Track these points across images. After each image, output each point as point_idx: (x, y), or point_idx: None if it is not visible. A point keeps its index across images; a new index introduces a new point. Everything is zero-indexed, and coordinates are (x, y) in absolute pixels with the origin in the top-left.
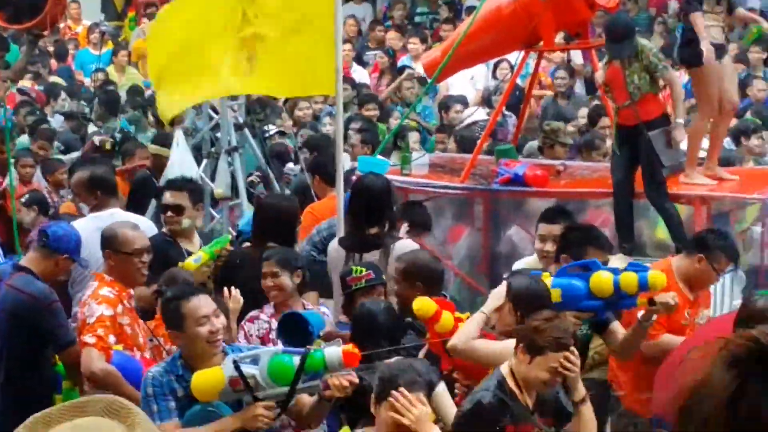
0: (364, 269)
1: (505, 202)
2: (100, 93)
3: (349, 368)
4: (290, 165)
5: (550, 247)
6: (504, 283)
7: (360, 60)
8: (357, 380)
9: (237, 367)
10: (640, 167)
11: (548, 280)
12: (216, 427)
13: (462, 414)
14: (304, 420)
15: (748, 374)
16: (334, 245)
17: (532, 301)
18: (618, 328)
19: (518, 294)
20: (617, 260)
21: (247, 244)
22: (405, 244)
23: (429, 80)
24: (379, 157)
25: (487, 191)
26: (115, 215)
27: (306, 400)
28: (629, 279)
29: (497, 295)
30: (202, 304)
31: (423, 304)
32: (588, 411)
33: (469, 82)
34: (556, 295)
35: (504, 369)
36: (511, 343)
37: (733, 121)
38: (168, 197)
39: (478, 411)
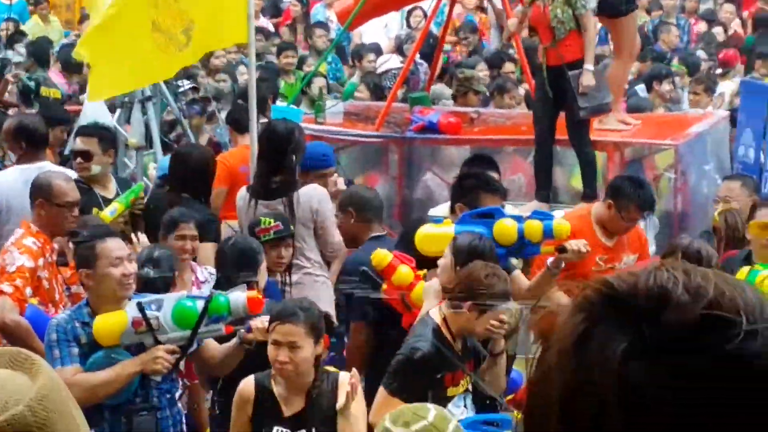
0: (272, 220)
1: (419, 150)
2: (29, 43)
3: (253, 312)
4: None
5: None
6: (434, 280)
7: (276, 8)
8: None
9: (141, 309)
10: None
11: (450, 227)
12: (116, 370)
13: (400, 363)
14: (216, 367)
15: (596, 318)
16: (242, 193)
17: (472, 258)
18: (520, 276)
19: (460, 250)
20: (534, 207)
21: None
22: (310, 189)
23: (342, 28)
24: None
25: (401, 139)
26: (43, 169)
27: (218, 346)
28: (533, 227)
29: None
30: (117, 246)
31: (377, 256)
32: (502, 361)
33: (382, 30)
34: None
35: (436, 317)
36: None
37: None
38: (78, 143)
39: (419, 360)
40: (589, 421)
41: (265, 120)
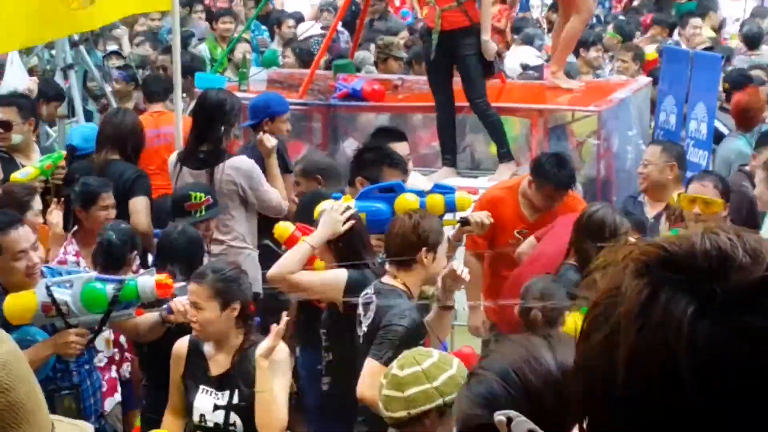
0: (202, 195)
1: (343, 117)
2: None
3: (162, 297)
4: None
5: None
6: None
7: None
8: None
9: (50, 294)
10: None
11: (351, 201)
12: (29, 354)
13: (396, 334)
14: (139, 337)
15: (659, 281)
16: (172, 158)
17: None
18: None
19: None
20: (443, 173)
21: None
22: (237, 162)
23: None
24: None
25: (325, 106)
26: None
27: (140, 319)
28: (435, 201)
29: (328, 224)
30: (21, 238)
31: (279, 228)
32: (449, 314)
33: None
34: (362, 218)
35: (399, 285)
36: (332, 274)
37: None
38: None
39: (412, 330)
40: (658, 382)
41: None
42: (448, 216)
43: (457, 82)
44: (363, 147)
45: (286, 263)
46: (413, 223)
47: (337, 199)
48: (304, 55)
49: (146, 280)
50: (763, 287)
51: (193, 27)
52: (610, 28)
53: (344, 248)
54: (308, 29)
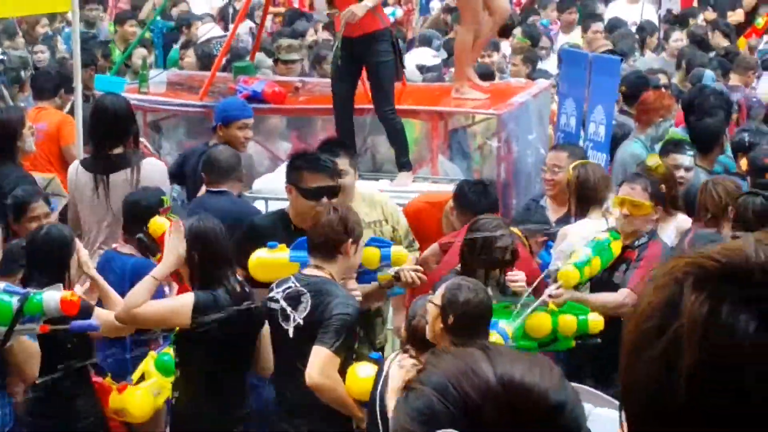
0: (167, 199)
1: None
2: None
3: (67, 314)
4: None
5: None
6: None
7: None
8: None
9: None
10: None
11: (285, 252)
12: None
13: (345, 323)
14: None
15: (719, 295)
16: (75, 167)
17: None
18: None
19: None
20: None
21: None
22: (151, 164)
23: None
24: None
25: None
26: None
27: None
28: (371, 254)
29: (170, 251)
30: None
31: (154, 223)
32: None
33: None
34: (295, 269)
35: (327, 275)
36: (179, 300)
37: None
38: None
39: (356, 318)
40: (723, 397)
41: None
42: (386, 270)
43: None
44: (294, 154)
45: (132, 299)
46: (339, 216)
47: (272, 248)
48: (205, 57)
49: (51, 296)
50: None
51: (97, 29)
52: (518, 32)
53: (200, 267)
54: (209, 31)
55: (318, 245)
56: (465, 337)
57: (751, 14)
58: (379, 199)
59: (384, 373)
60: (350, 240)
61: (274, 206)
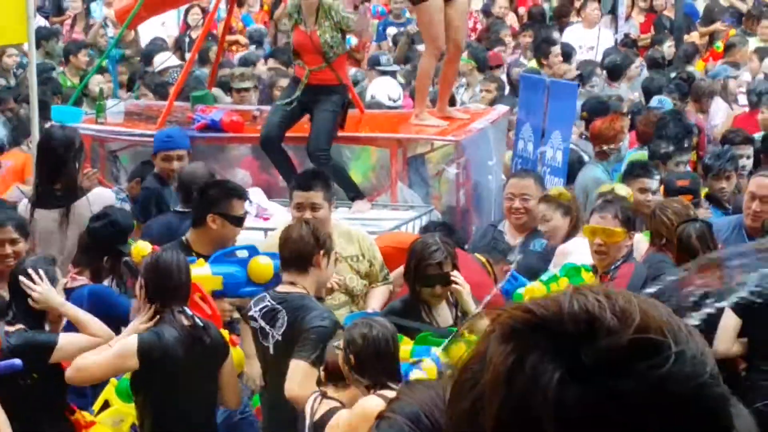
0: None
1: (203, 149)
2: None
3: None
4: None
5: (308, 215)
6: None
7: (59, 7)
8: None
9: None
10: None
11: (204, 267)
12: None
13: (322, 335)
14: None
15: (525, 346)
16: (24, 202)
17: None
18: None
19: None
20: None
21: None
22: (97, 197)
23: (121, 27)
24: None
25: None
26: None
27: None
28: (264, 267)
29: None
30: None
31: (137, 248)
32: None
33: (160, 28)
34: (218, 282)
35: (301, 290)
36: (121, 345)
37: None
38: None
39: (333, 331)
40: None
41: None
42: None
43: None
44: (205, 185)
45: (81, 361)
46: (311, 229)
47: (191, 262)
48: (160, 87)
49: None
50: (631, 351)
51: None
52: (465, 54)
53: (149, 300)
54: (165, 60)
55: (290, 259)
56: (373, 373)
57: (710, 37)
58: (355, 234)
59: (309, 411)
60: (321, 252)
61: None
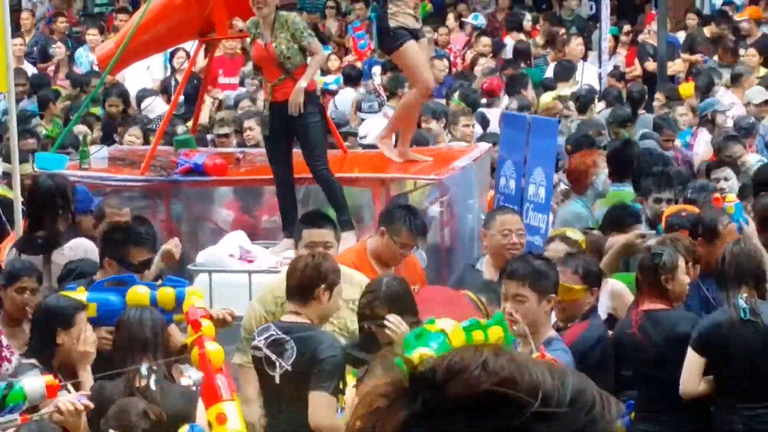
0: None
1: (186, 193)
2: None
3: (50, 399)
4: None
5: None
6: None
7: (45, 53)
8: (90, 405)
9: None
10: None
11: (83, 294)
12: None
13: (337, 366)
14: None
15: (398, 389)
16: (12, 250)
17: None
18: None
19: None
20: (283, 245)
21: None
22: (76, 244)
23: (103, 73)
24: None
25: (167, 182)
26: None
27: None
28: (166, 294)
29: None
30: None
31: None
32: None
33: (145, 73)
34: (92, 309)
35: (306, 320)
36: None
37: None
38: None
39: (345, 356)
40: None
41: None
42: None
43: (297, 153)
44: (109, 227)
45: None
46: (316, 262)
47: (72, 290)
48: (148, 131)
49: (34, 382)
50: (489, 400)
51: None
52: (455, 95)
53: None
54: (150, 104)
55: (293, 289)
56: None
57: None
58: (358, 279)
59: None
60: (323, 286)
61: (218, 279)
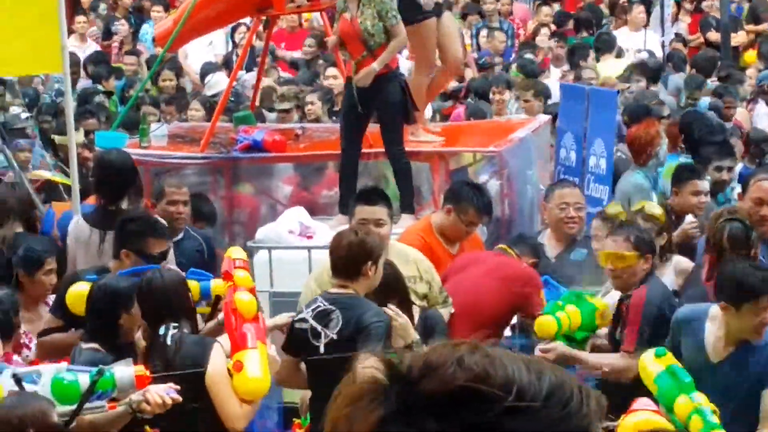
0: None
1: (246, 169)
2: None
3: (140, 389)
4: None
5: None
6: None
7: (108, 31)
8: (179, 398)
9: (18, 382)
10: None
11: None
12: None
13: (382, 329)
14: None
15: (387, 407)
16: (77, 221)
17: None
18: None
19: None
20: (336, 221)
21: None
22: None
23: (162, 49)
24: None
25: (227, 159)
26: None
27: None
28: (192, 287)
29: None
30: None
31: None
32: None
33: (207, 48)
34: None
35: (353, 292)
36: None
37: None
38: None
39: (389, 325)
40: None
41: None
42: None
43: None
44: (126, 217)
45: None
46: (359, 239)
47: (92, 280)
48: (210, 107)
49: (124, 371)
50: (461, 396)
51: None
52: (513, 67)
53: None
54: (218, 81)
55: (339, 266)
56: None
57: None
58: (413, 255)
59: None
60: (369, 262)
61: (278, 256)
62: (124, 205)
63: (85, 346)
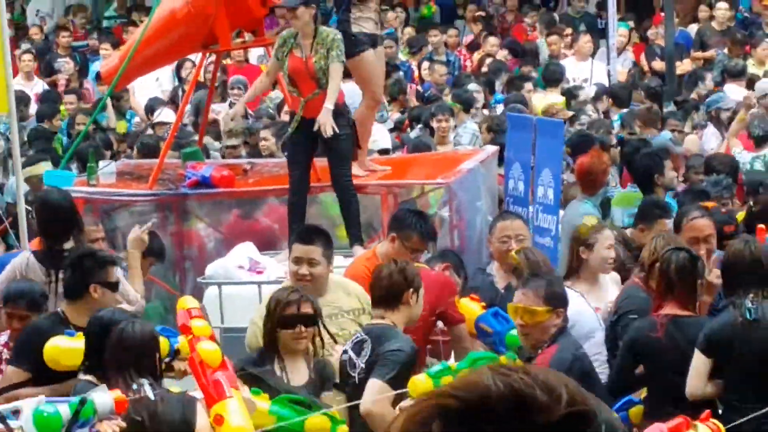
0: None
1: (195, 205)
2: None
3: (119, 413)
4: None
5: (305, 270)
6: None
7: (51, 68)
8: (125, 425)
9: (2, 420)
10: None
11: (81, 340)
12: None
13: (402, 357)
14: None
15: (455, 429)
16: (25, 257)
17: None
18: None
19: None
20: (283, 256)
21: None
22: None
23: (108, 87)
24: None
25: (175, 195)
26: None
27: None
28: (161, 344)
29: None
30: None
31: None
32: None
33: (154, 84)
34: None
35: (389, 323)
36: None
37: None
38: None
39: (414, 354)
40: None
41: None
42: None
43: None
44: (79, 254)
45: None
46: (400, 267)
47: (70, 336)
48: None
49: (103, 397)
50: (566, 424)
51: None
52: (448, 97)
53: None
54: (158, 114)
55: (380, 297)
56: None
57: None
58: (353, 287)
59: None
60: (411, 289)
61: (228, 291)
62: (69, 244)
63: (83, 377)
